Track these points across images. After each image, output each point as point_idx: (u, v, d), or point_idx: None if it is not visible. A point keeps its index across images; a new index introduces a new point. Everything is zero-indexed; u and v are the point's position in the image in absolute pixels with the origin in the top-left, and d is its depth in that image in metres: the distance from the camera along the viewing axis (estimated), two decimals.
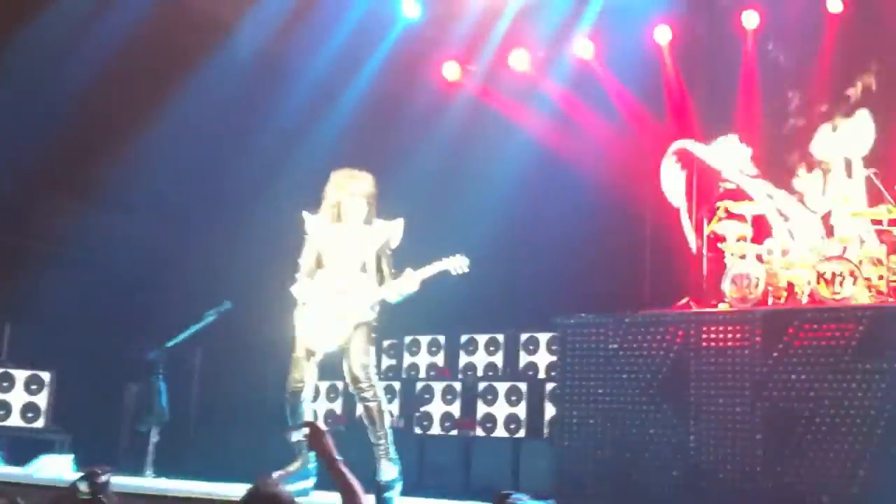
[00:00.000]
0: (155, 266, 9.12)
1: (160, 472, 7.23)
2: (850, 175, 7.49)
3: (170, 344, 7.93)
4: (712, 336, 6.60)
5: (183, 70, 8.78)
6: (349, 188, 5.70)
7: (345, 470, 3.42)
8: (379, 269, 5.67)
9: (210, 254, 9.02)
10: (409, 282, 5.55)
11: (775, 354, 6.33)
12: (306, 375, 5.59)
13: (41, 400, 8.16)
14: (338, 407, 8.11)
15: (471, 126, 9.15)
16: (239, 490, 5.88)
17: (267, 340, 7.57)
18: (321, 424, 3.62)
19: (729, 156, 7.74)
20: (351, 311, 5.57)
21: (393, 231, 5.75)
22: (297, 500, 3.36)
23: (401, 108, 9.13)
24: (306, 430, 3.66)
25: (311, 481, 5.49)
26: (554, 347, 7.60)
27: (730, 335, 6.55)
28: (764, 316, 6.60)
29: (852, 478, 5.85)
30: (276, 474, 5.44)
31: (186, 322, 8.12)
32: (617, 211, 8.60)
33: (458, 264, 5.59)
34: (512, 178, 8.70)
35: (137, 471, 7.16)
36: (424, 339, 8.37)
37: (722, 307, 7.13)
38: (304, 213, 5.81)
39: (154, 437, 7.61)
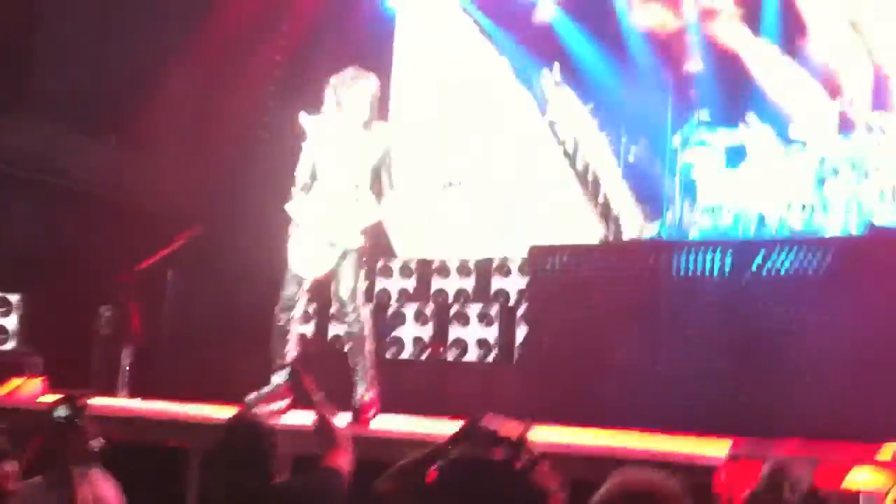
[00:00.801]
0: (125, 190, 9.03)
1: (134, 394, 7.25)
2: None
3: (141, 267, 7.89)
4: (682, 264, 6.67)
5: None
6: (351, 89, 5.47)
7: (325, 410, 3.47)
8: (377, 182, 5.49)
9: (183, 176, 8.92)
10: (397, 206, 5.46)
11: (744, 282, 6.42)
12: (299, 293, 5.55)
13: (10, 322, 8.12)
14: (310, 330, 8.13)
15: None
16: (213, 410, 5.93)
17: (242, 261, 7.56)
18: (301, 367, 3.63)
19: None
20: (341, 238, 5.47)
21: (395, 137, 5.60)
22: (273, 424, 3.39)
23: None
24: (288, 372, 3.70)
25: (286, 401, 5.53)
26: (526, 272, 7.64)
27: (700, 263, 6.62)
28: (734, 244, 6.67)
29: (817, 401, 5.98)
30: (251, 396, 5.47)
31: (158, 245, 8.07)
32: None
33: None
34: None
35: (110, 392, 7.17)
36: (396, 264, 8.38)
37: (694, 236, 7.21)
38: (302, 114, 5.56)
39: (126, 360, 7.61)
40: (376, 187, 5.52)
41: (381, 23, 9.10)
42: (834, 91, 7.62)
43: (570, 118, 8.74)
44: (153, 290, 8.25)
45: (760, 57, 8.11)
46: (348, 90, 5.47)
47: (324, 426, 3.46)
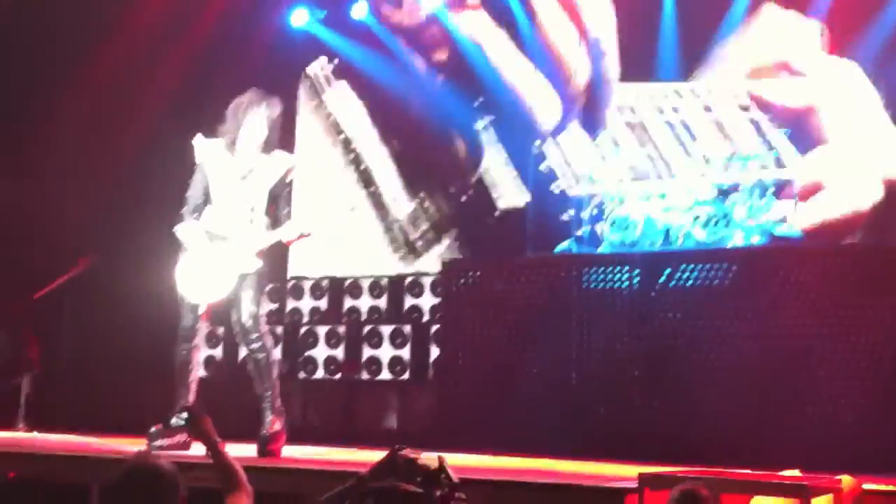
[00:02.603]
0: (22, 218, 8.70)
1: (33, 425, 7.00)
2: None
3: (38, 295, 7.67)
4: (593, 277, 6.71)
5: None
6: (250, 115, 5.37)
7: (225, 452, 3.37)
8: (271, 208, 5.40)
9: (78, 201, 8.64)
10: (302, 227, 5.35)
11: (653, 295, 6.48)
12: (197, 321, 5.39)
13: None
14: (218, 353, 7.95)
15: None
16: (114, 444, 5.74)
17: (140, 289, 7.36)
18: (200, 410, 3.50)
19: None
20: (235, 262, 5.33)
21: (291, 165, 5.52)
22: (175, 461, 3.27)
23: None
24: (185, 415, 3.57)
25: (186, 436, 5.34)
26: (438, 290, 7.60)
27: (610, 276, 6.67)
28: (642, 258, 6.74)
29: (725, 413, 6.05)
30: (153, 429, 5.30)
31: (55, 273, 7.84)
32: None
33: None
34: None
35: (8, 424, 6.92)
36: (307, 283, 8.25)
37: (602, 249, 7.26)
38: (195, 140, 5.45)
39: (25, 389, 7.37)
40: (272, 211, 5.42)
41: (285, 43, 8.92)
42: None
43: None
44: (50, 318, 7.99)
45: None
46: (248, 113, 5.38)
47: (225, 469, 3.34)
